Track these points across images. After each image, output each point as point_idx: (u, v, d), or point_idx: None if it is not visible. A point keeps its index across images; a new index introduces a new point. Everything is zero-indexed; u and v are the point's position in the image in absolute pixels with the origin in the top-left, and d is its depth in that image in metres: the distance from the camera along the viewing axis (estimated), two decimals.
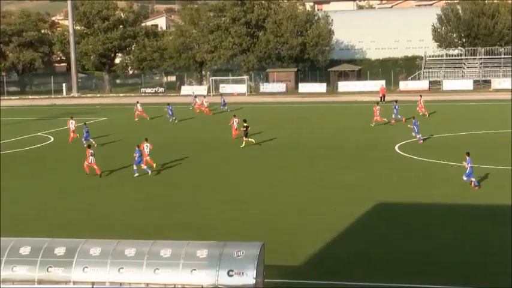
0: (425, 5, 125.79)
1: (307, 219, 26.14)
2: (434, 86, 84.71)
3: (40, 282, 16.00)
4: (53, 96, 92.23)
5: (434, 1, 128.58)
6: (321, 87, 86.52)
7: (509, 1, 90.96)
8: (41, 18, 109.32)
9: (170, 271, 15.68)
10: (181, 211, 27.95)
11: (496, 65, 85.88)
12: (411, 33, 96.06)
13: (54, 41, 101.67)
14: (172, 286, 15.66)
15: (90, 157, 35.24)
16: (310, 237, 23.49)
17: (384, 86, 76.57)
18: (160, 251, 16.01)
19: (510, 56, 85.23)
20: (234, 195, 30.59)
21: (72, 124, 48.47)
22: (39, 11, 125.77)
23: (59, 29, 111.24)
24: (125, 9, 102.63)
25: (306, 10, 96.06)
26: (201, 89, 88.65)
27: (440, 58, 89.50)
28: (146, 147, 36.37)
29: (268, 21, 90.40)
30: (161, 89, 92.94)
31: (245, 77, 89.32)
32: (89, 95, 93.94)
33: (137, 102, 63.17)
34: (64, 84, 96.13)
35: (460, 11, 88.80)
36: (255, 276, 15.37)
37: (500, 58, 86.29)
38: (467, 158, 30.33)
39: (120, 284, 15.82)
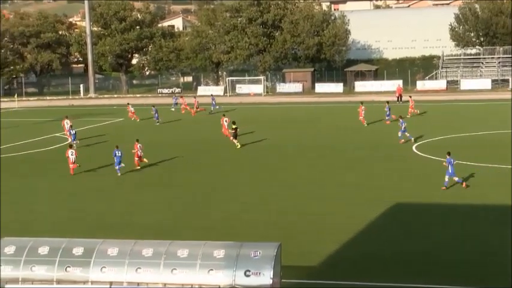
0: (442, 4, 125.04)
1: (314, 220, 26.14)
2: (452, 85, 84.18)
3: (59, 282, 16.12)
4: (70, 97, 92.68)
5: (451, 0, 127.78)
6: (337, 87, 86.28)
7: None
8: (58, 20, 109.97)
9: (187, 271, 15.74)
10: (188, 212, 27.99)
11: None
12: (428, 32, 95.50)
13: (71, 42, 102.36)
14: (190, 286, 15.72)
15: (71, 156, 36.09)
16: (321, 238, 23.51)
17: (401, 85, 76.20)
18: (178, 251, 16.07)
19: None
20: (244, 196, 30.60)
21: (67, 124, 48.46)
22: (57, 13, 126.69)
23: (76, 30, 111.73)
24: (141, 10, 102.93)
25: (323, 10, 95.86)
26: (218, 90, 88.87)
27: (458, 57, 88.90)
28: (139, 148, 37.36)
29: (285, 21, 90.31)
30: (178, 90, 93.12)
31: (261, 78, 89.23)
32: (106, 95, 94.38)
33: (128, 103, 64.03)
34: (82, 85, 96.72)
35: (478, 10, 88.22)
36: (272, 277, 15.41)
37: None
38: (448, 157, 30.20)
39: (138, 284, 15.90)
